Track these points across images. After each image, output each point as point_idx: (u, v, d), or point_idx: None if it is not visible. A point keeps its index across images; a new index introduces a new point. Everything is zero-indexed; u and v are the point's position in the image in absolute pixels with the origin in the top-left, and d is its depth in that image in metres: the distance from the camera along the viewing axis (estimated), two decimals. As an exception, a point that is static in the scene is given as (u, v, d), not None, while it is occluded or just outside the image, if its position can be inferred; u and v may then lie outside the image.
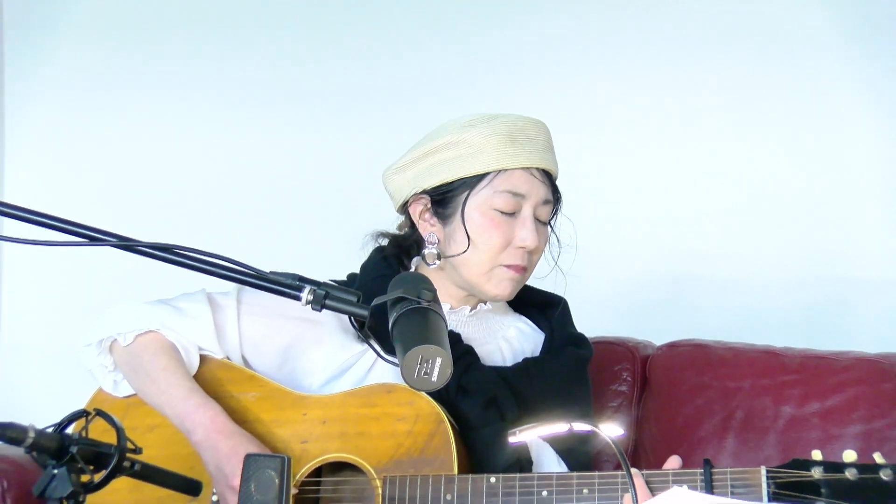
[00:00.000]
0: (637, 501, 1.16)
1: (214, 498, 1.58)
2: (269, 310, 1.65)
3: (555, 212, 1.69)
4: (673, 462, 1.50)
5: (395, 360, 1.23)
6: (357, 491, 1.59)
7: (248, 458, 1.13)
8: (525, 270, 1.64)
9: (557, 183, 1.70)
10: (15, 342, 2.77)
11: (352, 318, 1.30)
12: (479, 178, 1.62)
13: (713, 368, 1.95)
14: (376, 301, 1.20)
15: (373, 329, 1.43)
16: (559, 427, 1.32)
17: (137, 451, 1.10)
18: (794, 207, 2.37)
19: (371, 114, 2.55)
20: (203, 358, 1.65)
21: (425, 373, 1.12)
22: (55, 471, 1.02)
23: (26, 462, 1.72)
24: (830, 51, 2.39)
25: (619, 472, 1.47)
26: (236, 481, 1.38)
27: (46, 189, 2.73)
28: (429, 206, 1.67)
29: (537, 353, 1.73)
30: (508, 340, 1.73)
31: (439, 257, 1.67)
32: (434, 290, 1.22)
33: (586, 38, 2.50)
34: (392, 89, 2.56)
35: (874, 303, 2.33)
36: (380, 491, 1.51)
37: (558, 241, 1.72)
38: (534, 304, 1.78)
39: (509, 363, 1.70)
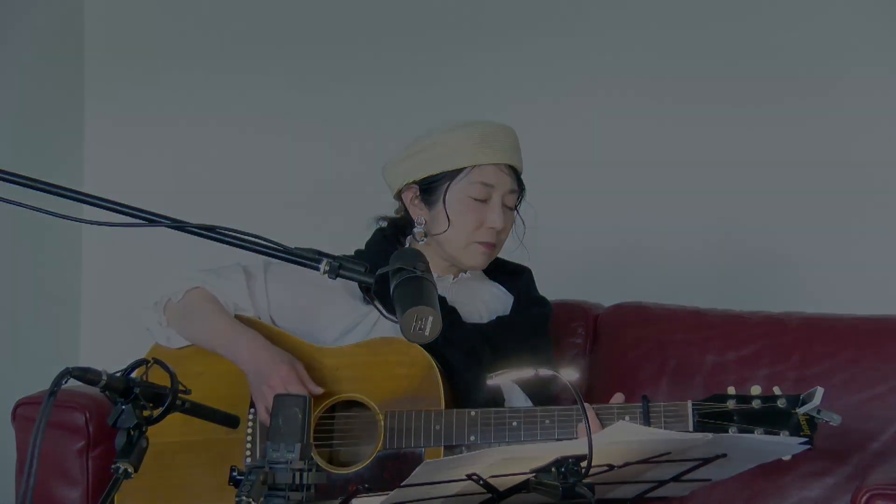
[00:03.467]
0: (589, 428, 1.12)
1: (249, 428, 1.59)
2: (291, 278, 1.64)
3: (519, 200, 1.70)
4: (617, 398, 1.51)
5: (395, 319, 1.27)
6: (364, 424, 1.61)
7: (277, 398, 1.12)
8: (495, 247, 1.66)
9: (522, 177, 1.70)
10: (93, 304, 2.80)
11: (360, 284, 1.31)
12: (457, 172, 1.63)
13: (651, 325, 1.96)
14: (380, 271, 1.22)
15: (377, 293, 1.41)
16: (527, 371, 1.34)
17: (187, 392, 1.14)
18: (717, 190, 2.37)
19: (373, 123, 2.57)
20: (237, 317, 1.67)
21: (420, 329, 1.16)
22: (123, 407, 1.07)
23: (103, 399, 1.78)
24: (750, 29, 2.32)
25: (574, 406, 1.50)
26: (272, 381, 1.50)
27: (116, 179, 2.71)
28: (418, 193, 1.67)
29: (508, 313, 1.74)
30: (485, 302, 1.73)
31: (426, 235, 1.68)
32: (426, 263, 1.24)
33: (549, 52, 2.46)
34: (390, 103, 2.58)
35: (779, 271, 2.35)
36: (383, 423, 1.54)
37: (523, 223, 1.73)
38: (505, 272, 1.78)
39: (485, 321, 1.71)
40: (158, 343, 1.64)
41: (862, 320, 1.92)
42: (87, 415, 1.75)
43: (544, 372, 1.34)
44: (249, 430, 1.56)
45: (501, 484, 1.16)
